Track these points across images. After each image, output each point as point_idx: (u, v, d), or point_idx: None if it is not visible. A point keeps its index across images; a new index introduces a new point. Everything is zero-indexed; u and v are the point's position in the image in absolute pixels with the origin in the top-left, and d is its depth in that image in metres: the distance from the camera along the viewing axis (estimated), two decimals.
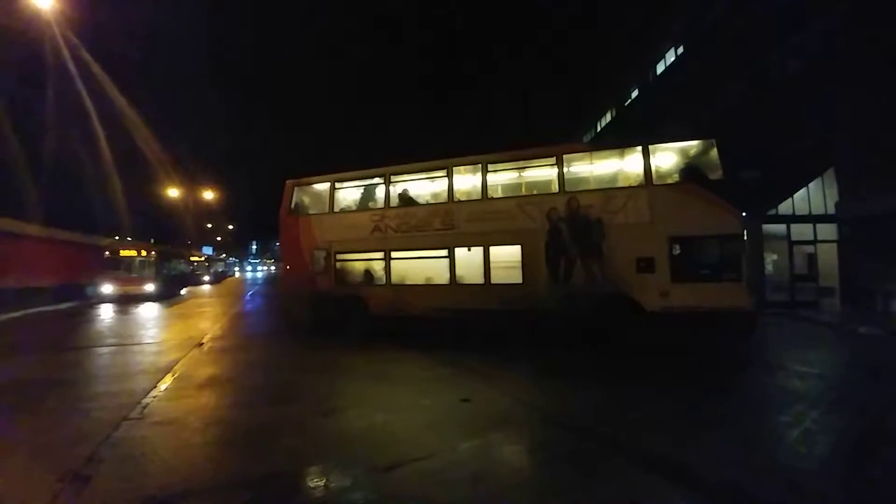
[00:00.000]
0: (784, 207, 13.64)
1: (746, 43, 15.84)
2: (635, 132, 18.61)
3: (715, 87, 17.75)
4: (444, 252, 9.08)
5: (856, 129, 11.87)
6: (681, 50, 21.34)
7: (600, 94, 31.53)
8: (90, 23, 22.93)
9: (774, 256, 14.08)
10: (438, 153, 9.72)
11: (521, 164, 9.32)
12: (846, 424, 4.48)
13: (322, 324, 10.06)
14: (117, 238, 23.49)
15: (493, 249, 8.74)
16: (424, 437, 4.17)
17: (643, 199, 7.78)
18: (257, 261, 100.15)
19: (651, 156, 7.93)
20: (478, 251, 8.83)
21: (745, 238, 7.46)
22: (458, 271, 9.01)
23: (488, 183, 9.10)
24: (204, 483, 3.29)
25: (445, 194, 9.40)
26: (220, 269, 50.62)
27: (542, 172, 9.26)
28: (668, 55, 22.55)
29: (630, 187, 8.24)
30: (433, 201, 9.90)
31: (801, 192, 13.62)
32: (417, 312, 9.18)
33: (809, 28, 13.53)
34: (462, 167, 9.38)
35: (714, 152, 7.73)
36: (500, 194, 9.67)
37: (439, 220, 9.23)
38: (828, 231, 13.40)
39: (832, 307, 12.62)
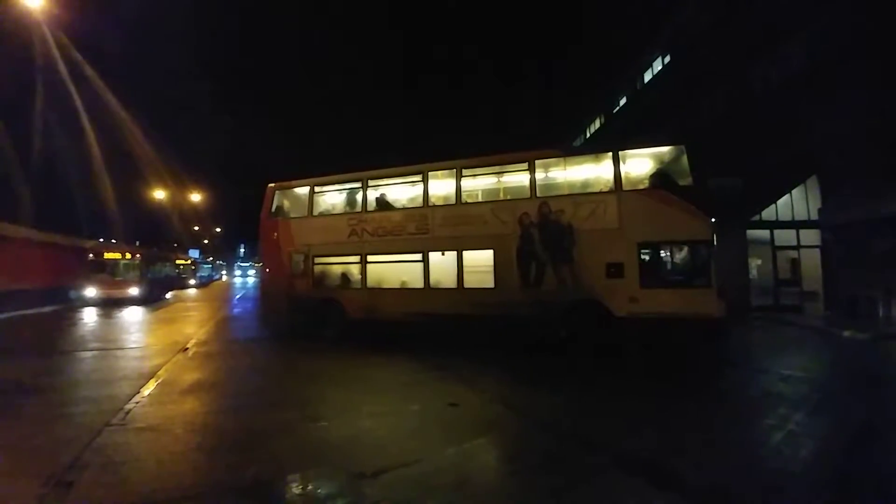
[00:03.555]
0: (768, 213, 13.89)
1: (731, 52, 16.15)
2: (622, 139, 18.81)
3: (700, 95, 18.07)
4: (419, 256, 9.12)
5: (838, 136, 12.12)
6: (668, 59, 21.68)
7: (590, 101, 31.87)
8: (79, 24, 22.67)
9: (758, 261, 14.32)
10: (426, 157, 9.77)
11: (494, 169, 9.34)
12: (829, 427, 4.55)
13: (300, 326, 10.12)
14: (102, 240, 23.04)
15: (467, 254, 8.78)
16: (412, 441, 4.15)
17: (612, 204, 7.80)
18: (247, 264, 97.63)
19: (621, 162, 7.95)
20: (451, 255, 8.87)
21: (715, 244, 7.43)
22: (432, 275, 9.04)
23: (463, 188, 9.14)
24: (187, 490, 3.23)
25: (421, 199, 9.45)
26: (207, 273, 49.92)
27: (515, 178, 9.29)
28: (655, 64, 22.89)
29: (600, 193, 8.26)
30: (409, 206, 9.92)
31: (785, 199, 13.89)
32: (392, 316, 9.21)
33: (793, 38, 13.83)
34: (437, 172, 9.42)
35: (684, 158, 7.71)
36: (473, 199, 9.69)
37: (414, 225, 9.28)
38: (811, 236, 13.68)
39: (816, 311, 12.85)
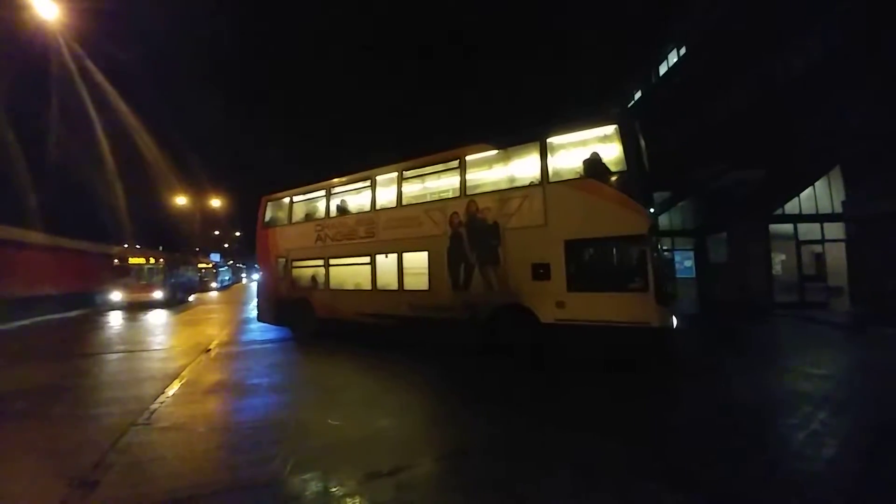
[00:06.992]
0: (790, 207, 13.55)
1: (751, 42, 15.78)
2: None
3: (719, 87, 17.68)
4: (367, 259, 9.40)
5: (861, 126, 11.76)
6: (683, 51, 21.29)
7: (603, 97, 31.47)
8: (97, 33, 23.21)
9: (782, 256, 13.96)
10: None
11: (434, 168, 8.99)
12: (855, 427, 4.42)
13: (282, 323, 11.33)
14: (126, 246, 23.65)
15: (406, 256, 8.84)
16: (428, 441, 4.20)
17: (538, 199, 7.14)
18: None
19: (548, 150, 7.21)
20: (393, 258, 8.99)
21: (655, 240, 6.40)
22: (378, 278, 9.25)
23: (406, 190, 9.20)
24: (209, 488, 3.32)
25: (370, 203, 9.69)
26: (228, 277, 50.70)
27: (449, 176, 8.99)
28: (670, 56, 22.50)
29: (525, 187, 7.48)
30: (361, 210, 10.13)
31: (808, 191, 13.52)
32: (348, 316, 9.63)
33: (815, 27, 13.45)
34: (383, 176, 9.52)
35: (616, 139, 6.68)
36: (414, 201, 9.51)
37: (364, 229, 9.60)
38: (835, 230, 13.28)
39: (842, 307, 12.49)
